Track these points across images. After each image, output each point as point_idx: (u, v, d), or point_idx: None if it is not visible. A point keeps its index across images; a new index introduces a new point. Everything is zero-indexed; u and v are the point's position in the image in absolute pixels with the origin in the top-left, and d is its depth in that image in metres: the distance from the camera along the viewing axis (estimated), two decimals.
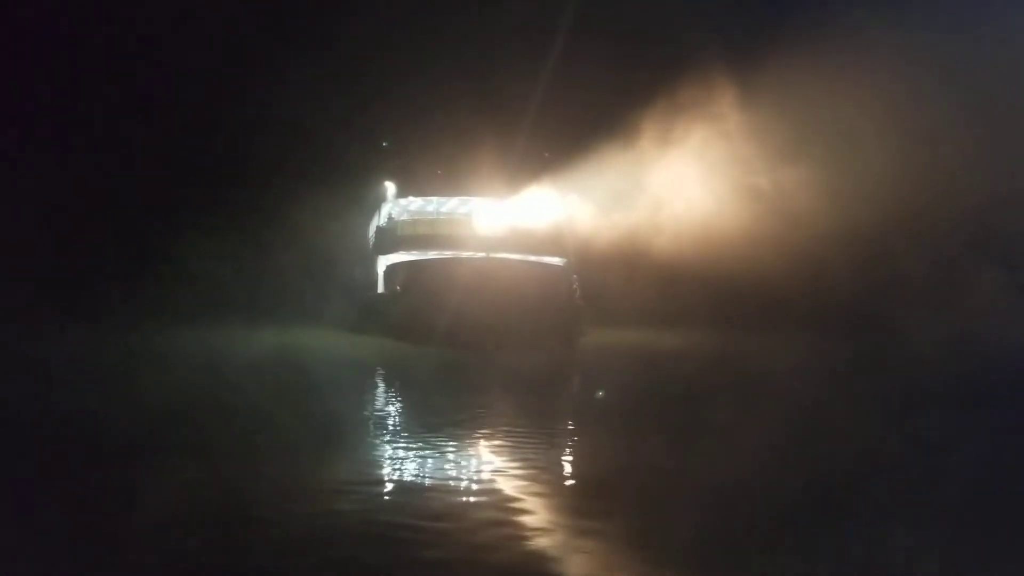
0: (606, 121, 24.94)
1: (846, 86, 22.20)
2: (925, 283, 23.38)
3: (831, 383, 16.56)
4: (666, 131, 23.82)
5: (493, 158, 25.44)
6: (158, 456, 9.20)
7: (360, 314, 28.16)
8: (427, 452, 9.70)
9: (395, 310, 25.21)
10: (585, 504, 7.66)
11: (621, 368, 19.57)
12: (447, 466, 9.08)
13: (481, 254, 24.94)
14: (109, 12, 37.79)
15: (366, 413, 13.10)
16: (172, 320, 26.96)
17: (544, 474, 8.78)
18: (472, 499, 7.77)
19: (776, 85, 21.67)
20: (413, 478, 8.73)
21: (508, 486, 8.13)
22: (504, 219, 26.42)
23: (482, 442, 10.41)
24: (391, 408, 14.30)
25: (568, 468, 9.54)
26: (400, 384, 17.23)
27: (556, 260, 26.22)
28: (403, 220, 27.95)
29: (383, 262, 27.60)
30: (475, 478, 8.56)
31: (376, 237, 28.98)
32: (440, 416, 11.97)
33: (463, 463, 9.25)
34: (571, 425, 12.64)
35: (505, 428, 11.13)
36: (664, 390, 15.57)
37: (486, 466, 9.14)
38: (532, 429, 11.25)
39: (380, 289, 27.72)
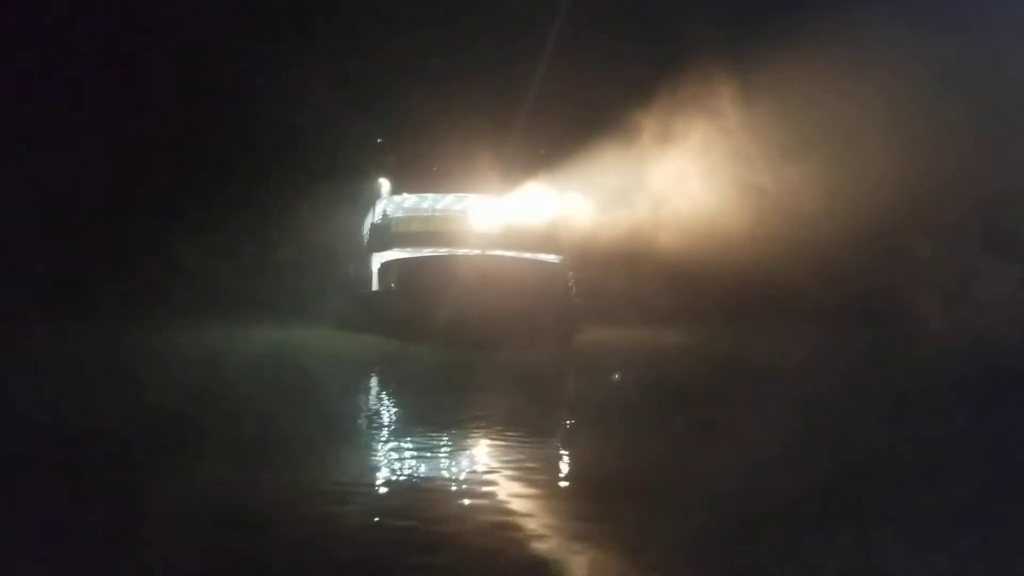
0: (602, 117, 24.85)
1: (852, 80, 22.08)
2: (934, 277, 23.28)
3: (834, 379, 16.51)
4: (663, 127, 23.72)
5: (488, 155, 25.30)
6: (150, 455, 9.11)
7: (354, 312, 28.10)
8: (420, 453, 9.55)
9: (389, 308, 25.12)
10: (584, 505, 7.55)
11: (614, 366, 19.49)
12: (440, 467, 8.94)
13: (476, 251, 24.83)
14: (105, 8, 37.68)
15: (358, 413, 12.93)
16: (165, 316, 26.89)
17: (540, 475, 8.63)
18: (467, 500, 7.63)
19: (779, 81, 21.54)
20: (404, 480, 8.58)
21: (504, 487, 8.00)
22: (499, 216, 26.31)
23: (477, 442, 10.27)
24: (383, 408, 14.14)
25: (564, 469, 9.40)
26: (393, 383, 17.08)
27: (551, 257, 26.16)
28: (397, 217, 27.83)
29: (377, 259, 27.50)
30: (467, 479, 8.42)
31: (370, 234, 28.88)
32: (433, 417, 11.84)
33: (456, 464, 9.10)
34: (568, 424, 12.53)
35: (499, 428, 10.98)
36: (660, 388, 15.47)
37: (478, 466, 9.00)
38: (526, 430, 11.10)
39: (374, 287, 27.62)
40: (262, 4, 40.42)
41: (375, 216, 28.90)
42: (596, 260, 25.83)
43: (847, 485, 8.34)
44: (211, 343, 22.88)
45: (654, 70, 25.98)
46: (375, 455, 9.68)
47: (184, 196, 34.04)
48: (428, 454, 9.42)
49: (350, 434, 10.85)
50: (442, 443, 10.01)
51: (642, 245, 24.31)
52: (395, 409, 13.64)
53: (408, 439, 10.41)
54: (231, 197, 34.09)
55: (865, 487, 8.35)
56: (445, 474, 8.56)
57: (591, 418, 12.53)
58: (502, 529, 6.73)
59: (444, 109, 27.75)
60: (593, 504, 7.57)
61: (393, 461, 9.33)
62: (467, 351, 19.17)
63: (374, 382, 17.28)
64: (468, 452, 9.72)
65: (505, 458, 9.30)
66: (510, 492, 7.81)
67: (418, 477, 8.55)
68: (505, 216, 26.20)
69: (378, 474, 8.78)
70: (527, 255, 25.67)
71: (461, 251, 25.04)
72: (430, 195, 27.66)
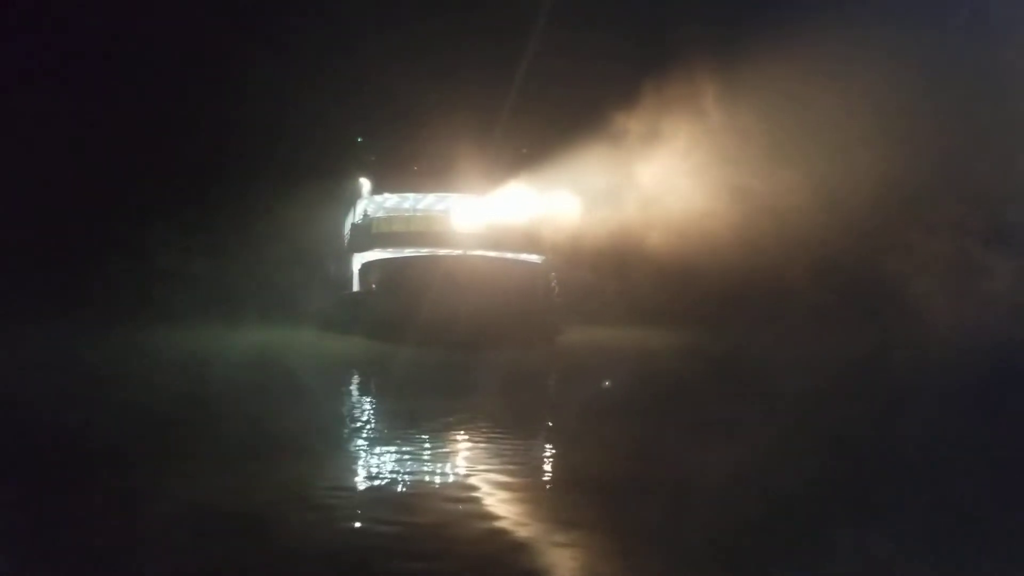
0: (585, 116, 24.73)
1: (842, 77, 22.00)
2: (934, 273, 23.28)
3: (830, 377, 16.55)
4: (645, 127, 23.64)
5: (470, 154, 25.14)
6: (136, 457, 9.01)
7: (335, 312, 27.82)
8: (402, 456, 9.42)
9: (370, 308, 24.91)
10: (569, 505, 7.46)
11: (595, 367, 19.41)
12: (424, 469, 8.82)
13: (457, 252, 24.68)
14: (87, 13, 37.28)
15: (335, 416, 12.75)
16: (147, 317, 26.61)
17: (521, 477, 8.53)
18: (448, 504, 7.51)
19: (771, 77, 21.42)
20: (385, 482, 8.44)
21: (484, 490, 7.89)
22: (481, 216, 26.15)
23: (457, 445, 10.14)
24: (360, 411, 13.97)
25: (546, 470, 9.30)
26: (372, 385, 16.94)
27: (534, 257, 26.05)
28: (378, 217, 27.60)
29: (358, 260, 27.27)
30: (448, 482, 8.30)
31: (351, 235, 28.64)
32: (413, 418, 11.73)
33: (438, 465, 8.98)
34: (549, 425, 12.42)
35: (483, 429, 10.89)
36: (644, 388, 15.41)
37: (460, 469, 8.88)
38: (507, 432, 10.99)
39: (355, 287, 27.39)
40: (244, 4, 40.13)
41: (356, 216, 28.67)
42: (579, 260, 25.74)
43: (845, 486, 8.34)
44: (189, 344, 22.61)
45: (636, 67, 25.92)
46: (351, 459, 9.55)
47: (163, 196, 33.75)
48: (408, 458, 9.29)
49: (328, 438, 10.69)
50: (423, 446, 9.88)
51: (625, 244, 24.22)
52: (373, 413, 13.47)
53: (387, 443, 10.27)
54: (211, 197, 33.83)
55: (867, 487, 8.34)
56: (427, 478, 8.44)
57: (572, 419, 12.42)
58: (488, 533, 6.66)
59: (425, 108, 27.59)
60: (572, 508, 7.48)
61: (372, 466, 9.20)
62: (448, 352, 19.03)
63: (353, 384, 17.10)
64: (449, 455, 9.60)
65: (487, 461, 9.20)
66: (490, 495, 7.72)
67: (400, 481, 8.41)
68: (487, 216, 26.06)
69: (357, 478, 8.64)
70: (509, 255, 25.55)
71: (442, 251, 24.88)
72: (411, 195, 27.44)
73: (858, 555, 6.45)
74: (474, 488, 7.95)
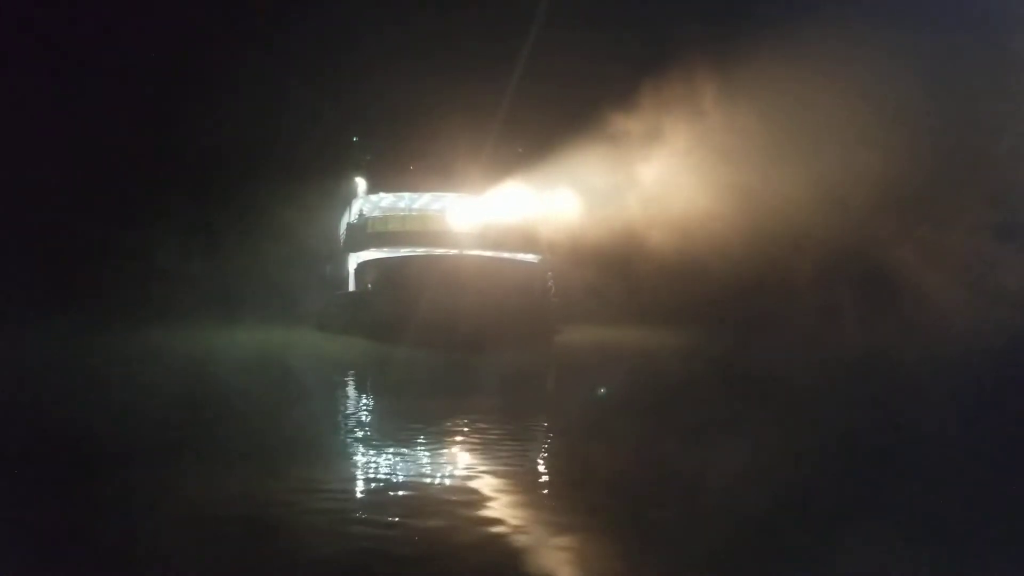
0: (582, 115, 24.66)
1: (846, 73, 21.89)
2: (942, 268, 23.24)
3: (828, 378, 16.52)
4: (642, 125, 23.56)
5: (466, 153, 25.06)
6: (135, 457, 8.95)
7: (330, 312, 27.72)
8: (402, 456, 9.33)
9: (366, 308, 24.81)
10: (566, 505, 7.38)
11: (592, 367, 19.36)
12: (423, 471, 8.74)
13: (454, 251, 24.59)
14: (83, 10, 37.20)
15: (331, 417, 12.66)
16: (142, 318, 26.53)
17: (518, 479, 8.45)
18: (445, 505, 7.43)
19: (774, 76, 21.33)
20: (382, 482, 8.35)
21: (480, 491, 7.82)
22: (477, 216, 26.05)
23: (457, 446, 10.06)
24: (358, 411, 13.88)
25: (542, 472, 9.21)
26: (370, 385, 16.85)
27: (530, 257, 25.98)
28: (374, 217, 27.50)
29: (354, 260, 27.16)
30: (445, 482, 8.22)
31: (346, 234, 28.54)
32: (411, 419, 11.65)
33: (434, 467, 8.89)
34: (544, 426, 12.32)
35: (480, 429, 10.79)
36: (640, 389, 15.35)
37: (458, 470, 8.79)
38: (502, 432, 10.91)
39: (351, 287, 27.28)
40: (242, 4, 40.08)
41: (351, 215, 28.56)
42: (576, 259, 25.68)
43: (848, 486, 8.29)
44: (185, 344, 22.52)
45: (633, 67, 25.89)
46: (348, 461, 9.47)
47: (161, 196, 33.69)
48: (408, 459, 9.21)
49: (325, 439, 10.62)
50: (423, 447, 9.80)
51: (623, 244, 24.15)
52: (371, 413, 13.37)
53: (386, 444, 10.19)
54: (208, 197, 33.78)
55: (872, 487, 8.29)
56: (426, 479, 8.37)
57: (572, 420, 12.34)
58: (490, 537, 6.61)
59: (421, 107, 27.50)
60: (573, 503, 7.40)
61: (367, 466, 9.12)
62: (444, 352, 18.94)
63: (350, 385, 16.99)
64: (449, 456, 9.51)
65: (487, 462, 9.13)
66: (491, 497, 7.65)
67: (399, 483, 8.33)
68: (483, 216, 25.96)
69: (355, 480, 8.56)
70: (505, 255, 25.47)
71: (438, 251, 24.79)
72: (407, 194, 27.34)
73: (861, 555, 6.41)
74: (475, 491, 7.87)
